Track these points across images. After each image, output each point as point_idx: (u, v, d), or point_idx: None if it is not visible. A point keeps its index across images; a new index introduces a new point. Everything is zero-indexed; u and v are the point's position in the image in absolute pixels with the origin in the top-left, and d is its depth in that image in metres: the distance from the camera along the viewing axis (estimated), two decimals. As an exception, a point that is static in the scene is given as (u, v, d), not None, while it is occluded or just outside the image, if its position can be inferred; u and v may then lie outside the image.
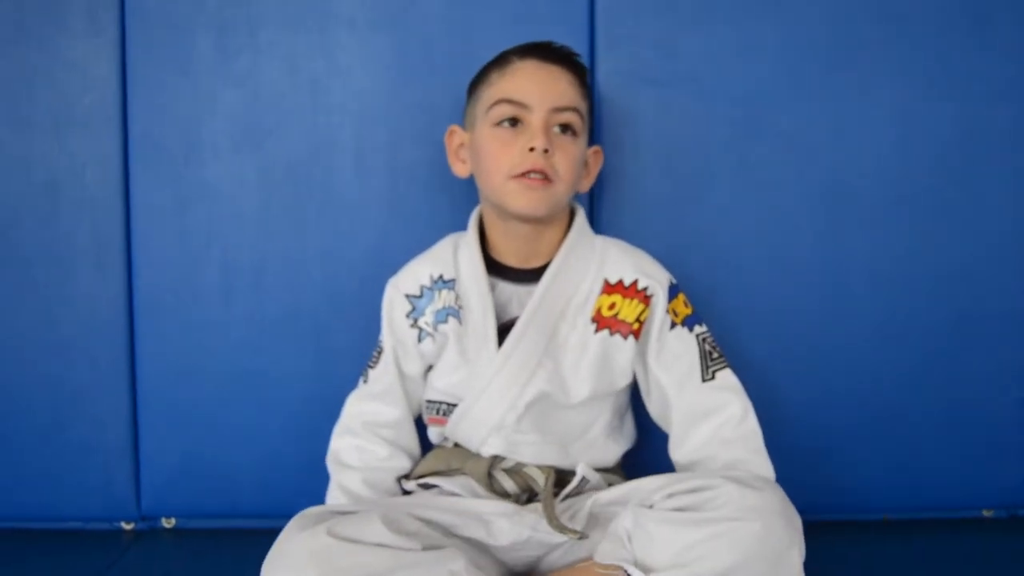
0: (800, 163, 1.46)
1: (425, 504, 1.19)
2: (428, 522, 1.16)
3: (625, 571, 1.08)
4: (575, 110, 1.27)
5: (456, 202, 1.41)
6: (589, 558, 1.14)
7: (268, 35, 1.47)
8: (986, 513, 1.53)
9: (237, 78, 1.47)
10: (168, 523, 1.53)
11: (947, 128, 1.46)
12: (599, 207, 1.46)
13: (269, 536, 1.46)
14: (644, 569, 1.07)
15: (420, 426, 1.38)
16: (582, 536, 1.14)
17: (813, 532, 1.45)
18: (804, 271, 1.47)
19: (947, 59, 1.46)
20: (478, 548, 1.19)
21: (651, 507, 1.12)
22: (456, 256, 1.33)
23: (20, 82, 1.47)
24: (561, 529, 1.14)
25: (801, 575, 1.08)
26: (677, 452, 1.29)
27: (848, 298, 1.47)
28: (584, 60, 1.33)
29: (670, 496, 1.11)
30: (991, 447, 1.48)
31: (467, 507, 1.19)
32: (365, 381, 1.37)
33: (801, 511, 1.36)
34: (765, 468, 1.25)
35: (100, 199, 1.48)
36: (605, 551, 1.11)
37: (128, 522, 1.52)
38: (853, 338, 1.47)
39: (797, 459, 1.47)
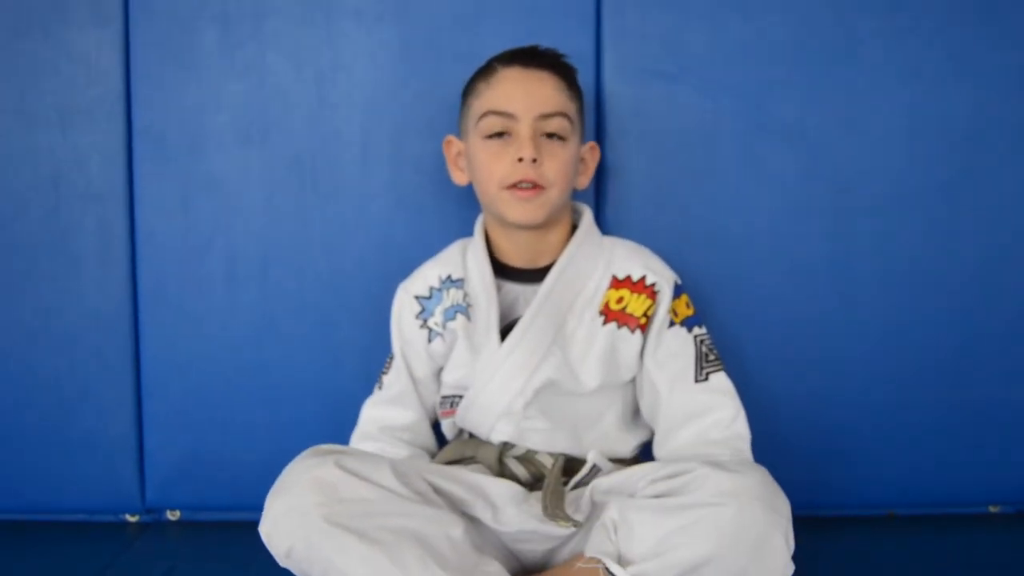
0: (808, 157, 1.45)
1: (438, 471, 1.17)
2: (437, 489, 1.14)
3: (605, 566, 1.06)
4: (563, 115, 1.27)
5: (461, 195, 1.41)
6: None
7: (273, 27, 1.46)
8: (993, 509, 1.52)
9: (242, 70, 1.46)
10: (173, 515, 1.53)
11: (957, 122, 1.45)
12: (604, 201, 1.46)
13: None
14: (625, 561, 1.05)
15: (438, 433, 1.38)
16: (575, 525, 1.12)
17: (819, 528, 1.46)
18: (812, 266, 1.46)
19: (957, 51, 1.45)
20: (485, 531, 1.17)
21: (633, 496, 1.11)
22: (464, 258, 1.34)
23: (25, 74, 1.46)
24: (553, 517, 1.12)
25: (789, 565, 1.02)
26: (660, 450, 1.28)
27: (856, 293, 1.46)
28: (576, 58, 1.32)
29: (652, 483, 1.10)
30: (998, 442, 1.48)
31: (476, 483, 1.17)
32: (379, 387, 1.37)
33: (807, 506, 1.35)
34: None
35: (104, 191, 1.47)
36: (592, 544, 1.10)
37: (133, 515, 1.52)
38: (861, 332, 1.47)
39: (803, 454, 1.47)
